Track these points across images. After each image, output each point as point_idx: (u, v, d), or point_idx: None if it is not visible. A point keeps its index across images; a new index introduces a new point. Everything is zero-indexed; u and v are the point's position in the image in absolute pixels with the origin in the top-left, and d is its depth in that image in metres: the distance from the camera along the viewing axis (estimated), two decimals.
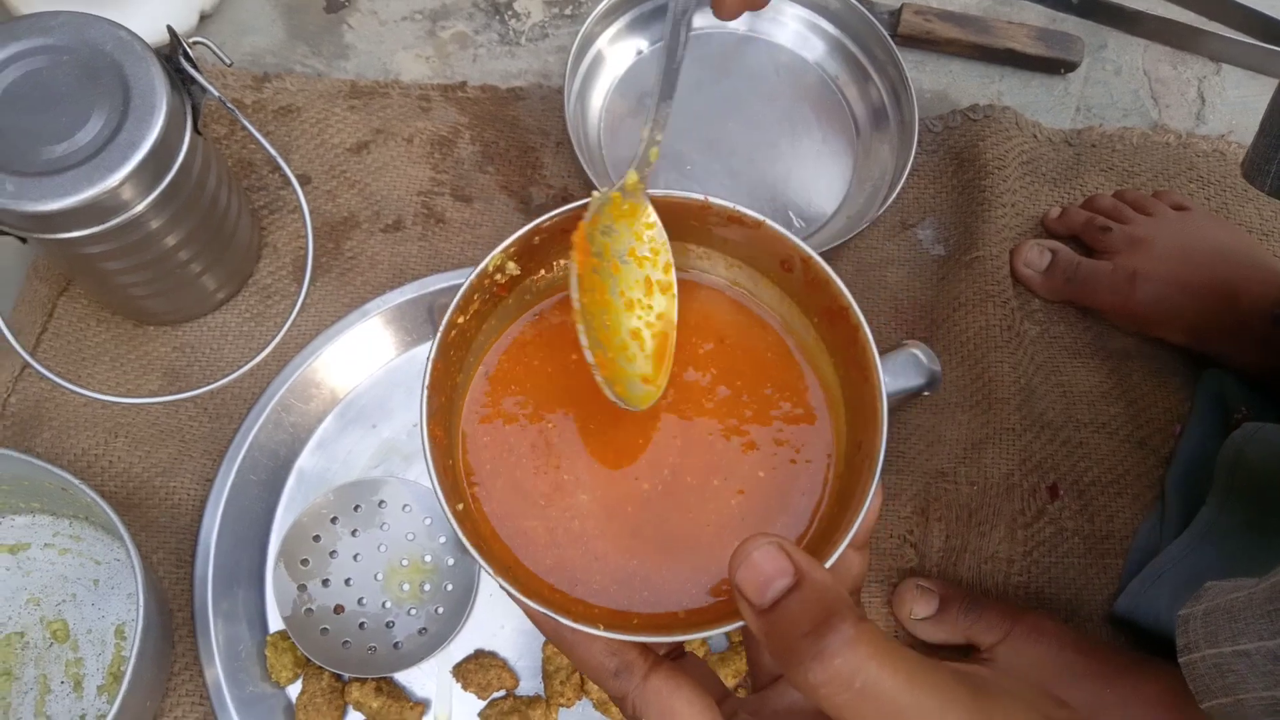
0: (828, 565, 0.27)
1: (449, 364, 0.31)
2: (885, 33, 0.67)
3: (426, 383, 0.30)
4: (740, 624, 0.26)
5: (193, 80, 0.50)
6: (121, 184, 0.46)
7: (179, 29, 0.66)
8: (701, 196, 0.32)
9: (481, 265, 0.31)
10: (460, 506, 0.29)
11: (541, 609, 0.27)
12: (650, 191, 0.33)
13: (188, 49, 0.49)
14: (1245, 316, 0.60)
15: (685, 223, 0.34)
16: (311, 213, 0.54)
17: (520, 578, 0.29)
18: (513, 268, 0.33)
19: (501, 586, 0.28)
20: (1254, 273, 0.61)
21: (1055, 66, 0.74)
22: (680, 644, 0.32)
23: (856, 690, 0.23)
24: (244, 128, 0.51)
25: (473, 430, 0.32)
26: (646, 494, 0.31)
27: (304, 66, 0.69)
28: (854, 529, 0.28)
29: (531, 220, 0.32)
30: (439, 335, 0.30)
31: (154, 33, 0.65)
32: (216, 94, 0.50)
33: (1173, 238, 0.64)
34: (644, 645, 0.28)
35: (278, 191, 0.62)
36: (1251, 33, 0.76)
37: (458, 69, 0.70)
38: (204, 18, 0.68)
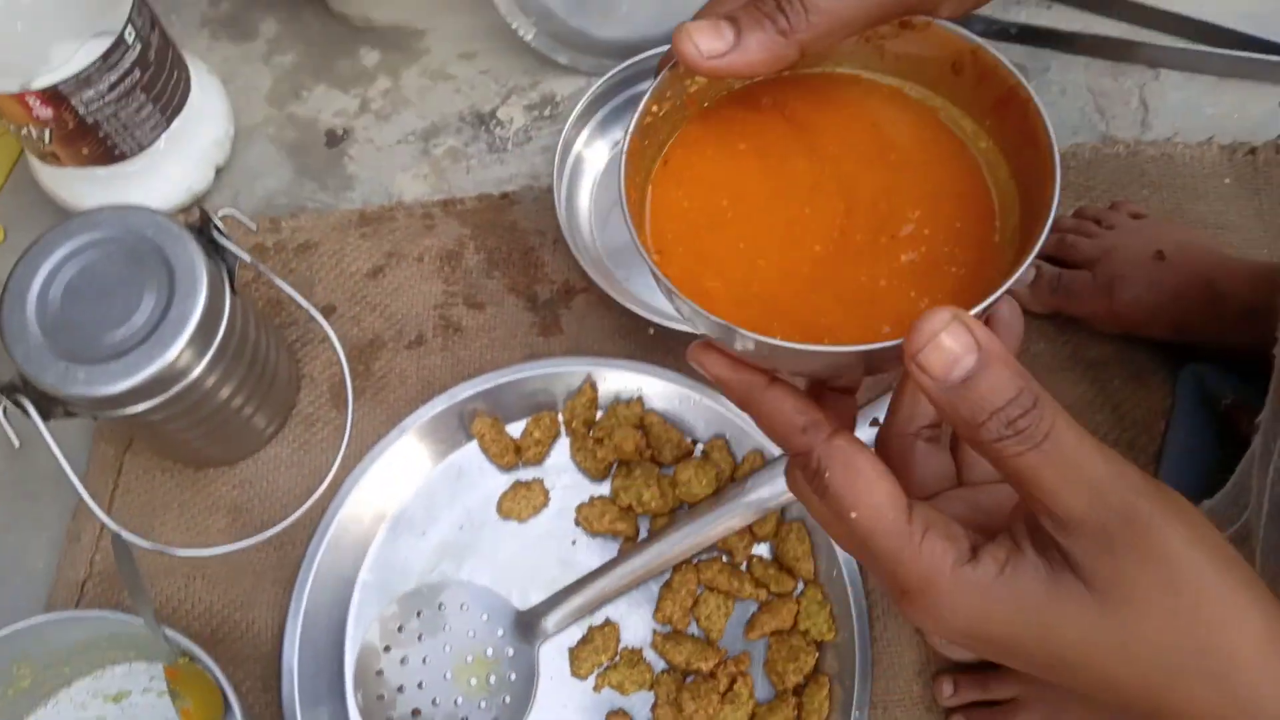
0: (1007, 288, 0.28)
1: (642, 147, 0.34)
2: None
3: (625, 151, 0.32)
4: None
5: (225, 249, 0.55)
6: (178, 357, 0.51)
7: (199, 185, 0.71)
8: None
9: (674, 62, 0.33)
10: (656, 257, 0.32)
11: (738, 328, 0.28)
12: None
13: (218, 223, 0.55)
14: (1222, 301, 0.64)
15: (855, 44, 0.35)
16: (340, 339, 0.58)
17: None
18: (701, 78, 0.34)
19: (697, 313, 0.29)
20: (1221, 260, 0.66)
21: None
22: None
23: (1044, 450, 0.25)
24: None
25: (654, 210, 0.34)
26: (819, 255, 0.33)
27: (314, 201, 0.74)
28: (1030, 257, 0.28)
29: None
30: (635, 119, 0.33)
31: (180, 192, 0.71)
32: (249, 259, 0.55)
33: (1139, 243, 0.69)
34: (830, 413, 0.30)
35: (307, 325, 0.67)
36: (1184, 36, 0.81)
37: (454, 181, 0.75)
38: (219, 171, 0.73)
